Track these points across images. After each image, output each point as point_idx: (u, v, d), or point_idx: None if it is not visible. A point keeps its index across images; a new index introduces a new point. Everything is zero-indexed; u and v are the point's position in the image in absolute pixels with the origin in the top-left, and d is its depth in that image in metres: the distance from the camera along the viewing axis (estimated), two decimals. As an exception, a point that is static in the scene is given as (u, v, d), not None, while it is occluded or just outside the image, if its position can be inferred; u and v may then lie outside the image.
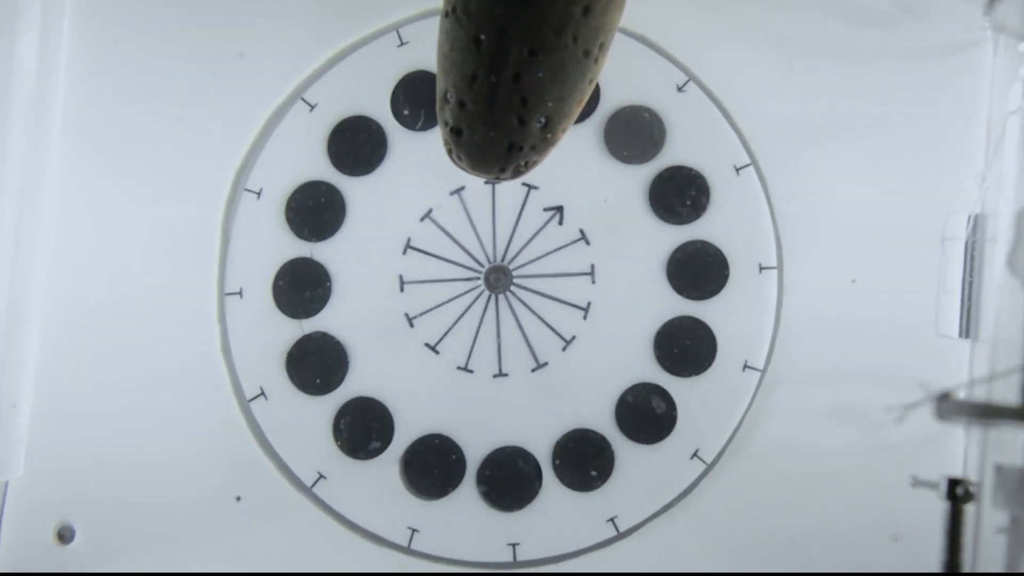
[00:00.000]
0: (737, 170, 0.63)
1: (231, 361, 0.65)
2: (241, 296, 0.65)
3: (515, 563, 0.63)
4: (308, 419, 0.64)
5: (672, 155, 0.63)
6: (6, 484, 0.64)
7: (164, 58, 0.65)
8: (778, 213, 0.63)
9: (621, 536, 0.63)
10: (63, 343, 0.65)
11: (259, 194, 0.65)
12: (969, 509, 0.49)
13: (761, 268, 0.63)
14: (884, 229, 0.63)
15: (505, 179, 0.55)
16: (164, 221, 0.65)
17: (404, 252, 0.64)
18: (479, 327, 0.64)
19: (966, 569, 0.49)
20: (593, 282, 0.63)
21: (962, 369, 0.61)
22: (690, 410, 0.63)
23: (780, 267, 0.63)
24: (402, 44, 0.64)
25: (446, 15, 0.54)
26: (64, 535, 0.64)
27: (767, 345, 0.63)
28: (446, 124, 0.54)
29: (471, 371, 0.64)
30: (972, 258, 0.61)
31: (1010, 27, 0.60)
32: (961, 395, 0.56)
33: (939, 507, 0.50)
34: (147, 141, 0.65)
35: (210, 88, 0.65)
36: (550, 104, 0.53)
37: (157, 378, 0.64)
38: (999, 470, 0.50)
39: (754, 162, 0.63)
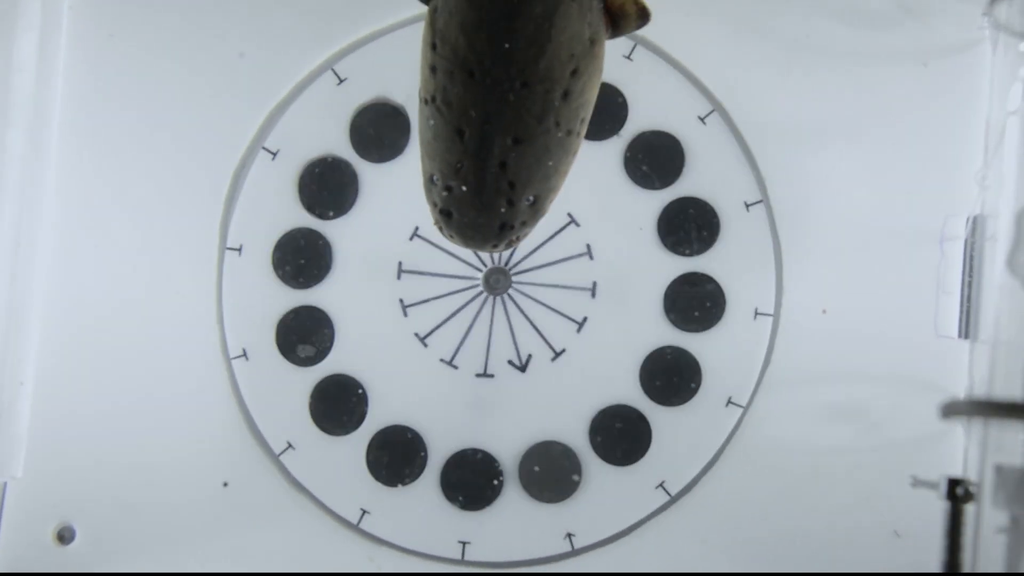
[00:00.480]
0: (747, 205, 0.63)
1: (230, 363, 0.65)
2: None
3: (462, 561, 0.63)
4: (289, 388, 0.64)
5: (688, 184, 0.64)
6: (6, 484, 0.64)
7: (164, 58, 0.65)
8: (777, 214, 0.63)
9: (625, 532, 0.63)
10: (63, 343, 0.65)
11: (274, 157, 0.65)
12: (969, 509, 0.49)
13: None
14: (884, 230, 0.63)
15: (497, 252, 0.56)
16: (163, 220, 0.65)
17: (411, 239, 0.64)
18: (471, 326, 0.64)
19: (966, 569, 0.49)
20: (593, 296, 0.64)
21: (962, 370, 0.61)
22: (665, 440, 0.63)
23: (779, 268, 0.63)
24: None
25: (425, 102, 0.54)
26: (64, 535, 0.64)
27: (765, 349, 0.63)
28: (435, 205, 0.55)
29: (456, 367, 0.64)
30: (971, 259, 0.61)
31: (1010, 27, 0.60)
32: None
33: (939, 507, 0.50)
34: (147, 141, 0.65)
35: (210, 88, 0.65)
36: (537, 184, 0.54)
37: (157, 378, 0.64)
38: (999, 470, 0.50)
39: (751, 163, 0.63)
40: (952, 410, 0.48)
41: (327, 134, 0.65)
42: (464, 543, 0.63)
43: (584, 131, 0.55)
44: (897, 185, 0.63)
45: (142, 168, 0.65)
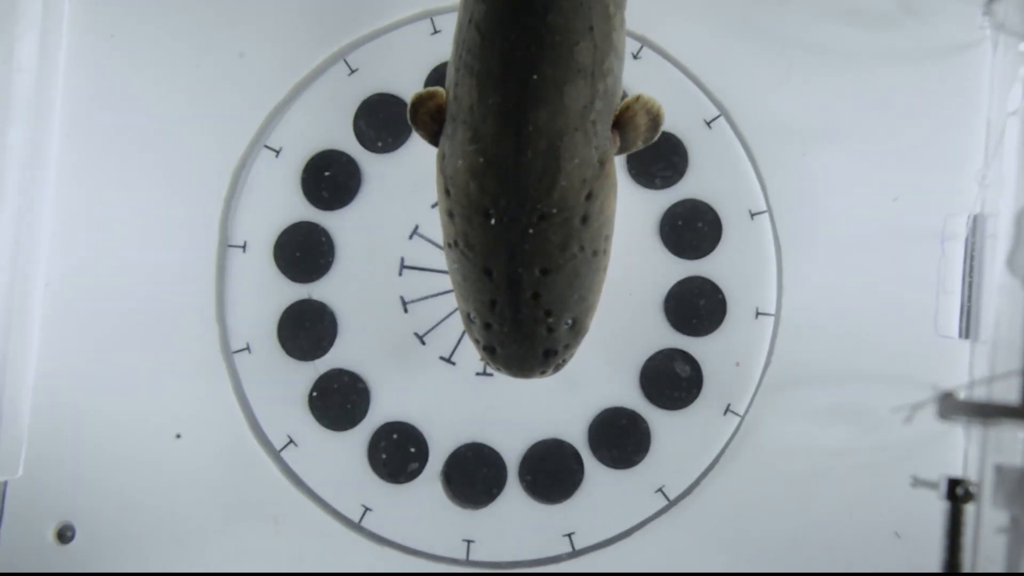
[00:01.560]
0: (751, 215, 0.63)
1: (231, 360, 0.65)
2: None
3: (467, 561, 0.63)
4: (291, 382, 0.64)
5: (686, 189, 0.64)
6: (6, 484, 0.64)
7: (164, 58, 0.65)
8: (777, 214, 0.63)
9: (623, 535, 0.63)
10: (63, 343, 0.65)
11: (273, 156, 0.65)
12: (969, 509, 0.49)
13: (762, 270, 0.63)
14: (884, 229, 0.62)
15: (547, 377, 0.56)
16: (164, 219, 0.65)
17: (411, 237, 0.64)
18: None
19: (966, 569, 0.49)
20: None
21: (962, 369, 0.61)
22: (664, 443, 0.63)
23: (779, 268, 0.63)
24: (436, 32, 0.65)
25: (449, 247, 0.55)
26: (64, 534, 0.64)
27: (766, 349, 0.63)
28: (477, 342, 0.55)
29: (454, 363, 0.64)
30: (972, 258, 0.61)
31: (1010, 27, 0.60)
32: (962, 395, 0.56)
33: (939, 507, 0.50)
34: (147, 141, 0.65)
35: (210, 88, 0.65)
36: (573, 307, 0.54)
37: (157, 378, 0.64)
38: (999, 470, 0.50)
39: (752, 162, 0.63)
40: (948, 410, 0.48)
41: (331, 129, 0.65)
42: (468, 541, 0.63)
43: (610, 247, 0.55)
44: (897, 184, 0.62)
45: (142, 168, 0.65)
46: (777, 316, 0.63)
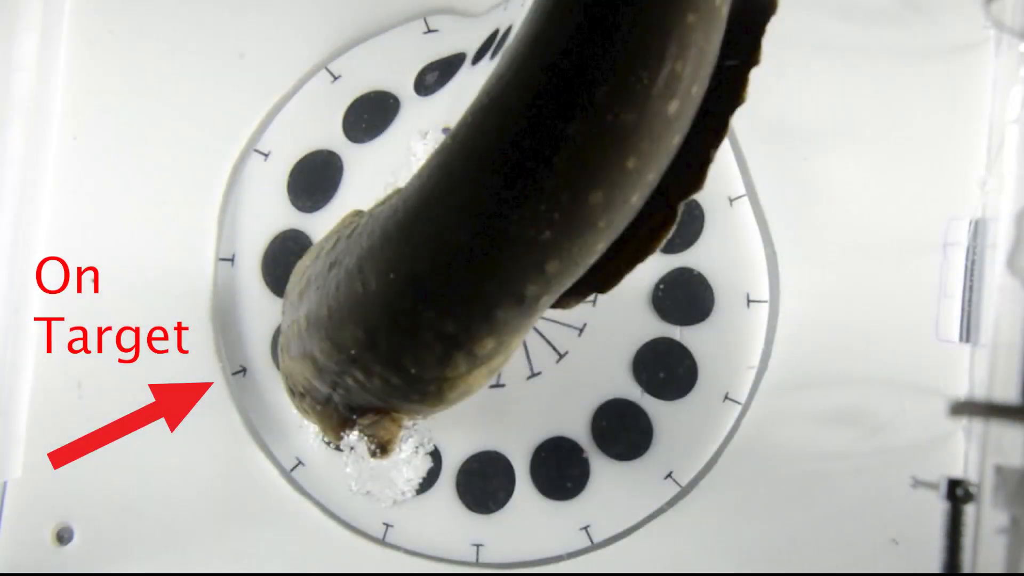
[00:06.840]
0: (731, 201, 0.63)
1: (228, 356, 0.65)
2: (236, 266, 0.65)
3: (477, 563, 0.63)
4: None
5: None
6: (5, 484, 0.64)
7: (164, 59, 0.66)
8: (778, 217, 0.63)
9: (614, 539, 0.63)
10: (62, 342, 0.65)
11: (266, 158, 0.65)
12: (969, 510, 0.49)
13: (753, 294, 0.63)
14: (885, 233, 0.62)
15: None
16: (162, 219, 0.65)
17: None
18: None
19: (966, 569, 0.49)
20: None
21: (962, 373, 0.61)
22: (667, 432, 0.62)
23: (779, 270, 0.63)
24: (429, 31, 0.65)
25: None
26: (63, 536, 0.64)
27: (761, 338, 0.63)
28: None
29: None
30: (973, 263, 0.61)
31: (1011, 27, 0.60)
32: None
33: (939, 508, 0.50)
34: (146, 141, 0.65)
35: (209, 88, 0.65)
36: None
37: (156, 378, 0.64)
38: (999, 470, 0.50)
39: (734, 148, 0.63)
40: (960, 410, 0.48)
41: (320, 131, 0.65)
42: (478, 545, 0.63)
43: None
44: (899, 188, 0.62)
45: (141, 168, 0.65)
46: (775, 319, 0.62)
